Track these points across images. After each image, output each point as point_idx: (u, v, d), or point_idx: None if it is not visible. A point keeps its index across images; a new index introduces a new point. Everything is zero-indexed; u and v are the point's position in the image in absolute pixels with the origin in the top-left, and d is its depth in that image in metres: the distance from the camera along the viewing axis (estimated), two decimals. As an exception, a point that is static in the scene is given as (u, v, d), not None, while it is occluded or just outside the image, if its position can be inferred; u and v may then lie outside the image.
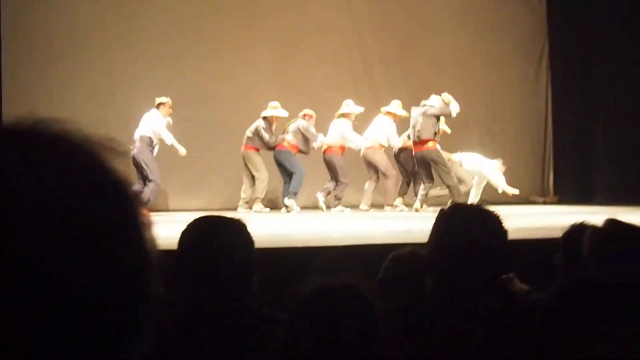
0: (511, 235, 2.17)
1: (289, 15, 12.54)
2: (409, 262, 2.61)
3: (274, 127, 11.11)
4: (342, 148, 11.12)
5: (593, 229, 2.72)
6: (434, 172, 10.60)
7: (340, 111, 11.08)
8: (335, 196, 10.99)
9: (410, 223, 8.15)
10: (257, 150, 11.09)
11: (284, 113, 11.08)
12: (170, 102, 10.45)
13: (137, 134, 10.18)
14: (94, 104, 11.56)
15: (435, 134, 10.59)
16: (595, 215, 8.58)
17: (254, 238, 2.37)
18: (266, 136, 10.88)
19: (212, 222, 2.33)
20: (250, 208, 10.95)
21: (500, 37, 13.38)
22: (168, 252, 2.25)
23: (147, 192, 9.90)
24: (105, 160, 0.78)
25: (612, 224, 2.66)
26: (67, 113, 10.84)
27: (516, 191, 11.13)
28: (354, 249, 5.07)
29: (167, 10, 11.98)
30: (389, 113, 11.06)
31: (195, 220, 2.33)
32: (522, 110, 13.46)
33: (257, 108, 11.44)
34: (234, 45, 12.27)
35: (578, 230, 3.05)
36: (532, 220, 8.84)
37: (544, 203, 12.96)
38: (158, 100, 10.46)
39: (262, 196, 11.06)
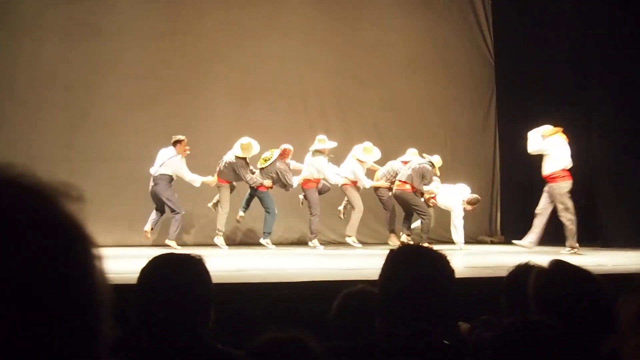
0: (459, 274, 2.20)
1: (248, 60, 12.57)
2: (360, 300, 2.62)
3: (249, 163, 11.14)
4: (317, 181, 11.26)
5: (539, 269, 2.67)
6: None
7: (314, 147, 11.16)
8: (310, 230, 11.20)
9: (362, 260, 8.16)
10: (229, 182, 11.12)
11: (256, 150, 11.07)
12: (185, 139, 10.62)
13: (155, 172, 10.50)
14: (56, 144, 11.49)
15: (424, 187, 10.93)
16: (539, 255, 8.71)
17: (212, 274, 2.37)
18: (247, 177, 10.93)
19: (170, 259, 2.32)
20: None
21: (452, 84, 13.57)
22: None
23: (175, 224, 10.57)
24: (59, 204, 0.78)
25: (558, 265, 2.65)
26: (29, 152, 10.81)
27: (462, 247, 11.23)
28: (307, 286, 5.06)
29: (127, 54, 11.94)
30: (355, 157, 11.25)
31: (153, 258, 2.32)
32: (472, 154, 13.61)
33: (216, 149, 11.46)
34: (194, 88, 12.25)
35: (522, 270, 3.07)
36: (479, 259, 8.93)
37: (492, 243, 13.11)
38: (174, 137, 10.62)
39: (223, 230, 11.07)
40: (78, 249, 0.79)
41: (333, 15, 13.10)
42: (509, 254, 10.04)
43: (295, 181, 11.20)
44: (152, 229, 10.74)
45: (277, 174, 11.08)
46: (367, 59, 13.26)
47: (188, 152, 10.71)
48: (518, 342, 1.74)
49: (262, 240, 11.04)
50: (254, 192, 11.17)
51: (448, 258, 2.12)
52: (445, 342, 2.14)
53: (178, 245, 10.62)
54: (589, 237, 11.51)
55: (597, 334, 2.19)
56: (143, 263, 2.39)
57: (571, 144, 12.13)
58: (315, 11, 13.01)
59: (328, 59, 13.02)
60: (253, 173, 11.04)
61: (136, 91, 11.93)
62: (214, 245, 10.86)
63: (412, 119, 13.19)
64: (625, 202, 11.21)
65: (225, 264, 7.35)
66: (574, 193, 11.88)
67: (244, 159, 10.95)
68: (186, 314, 2.20)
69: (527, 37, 13.18)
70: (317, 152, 11.13)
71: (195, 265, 2.28)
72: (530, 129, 12.63)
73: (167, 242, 10.46)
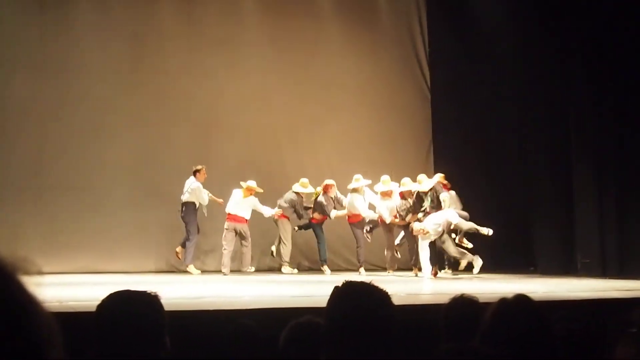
0: (400, 301, 2.18)
1: (208, 97, 12.53)
2: (307, 331, 2.59)
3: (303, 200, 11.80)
4: (358, 217, 11.52)
5: (501, 300, 2.43)
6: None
7: (351, 186, 11.47)
8: (358, 260, 11.59)
9: (313, 287, 8.13)
10: (288, 218, 11.64)
11: (311, 190, 11.71)
12: (204, 168, 11.09)
13: (182, 199, 11.00)
14: (24, 173, 11.31)
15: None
16: (473, 283, 8.78)
17: (171, 301, 2.36)
18: (300, 211, 11.60)
19: (126, 296, 2.29)
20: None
21: (396, 123, 13.65)
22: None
23: (189, 250, 11.05)
24: (18, 281, 0.78)
25: (522, 300, 2.44)
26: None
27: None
28: (263, 313, 5.01)
29: (94, 89, 11.80)
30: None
31: (110, 294, 2.29)
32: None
33: (177, 181, 11.43)
34: (156, 123, 12.14)
35: (458, 302, 3.08)
36: (418, 286, 8.99)
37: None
38: (194, 167, 11.14)
39: (288, 260, 11.58)
40: (34, 326, 0.78)
41: (288, 57, 13.17)
42: (448, 281, 10.11)
43: (333, 213, 11.53)
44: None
45: (321, 204, 11.52)
46: (319, 98, 13.33)
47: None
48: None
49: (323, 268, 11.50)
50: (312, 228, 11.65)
51: (390, 295, 2.10)
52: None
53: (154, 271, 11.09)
54: (525, 265, 11.68)
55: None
56: (104, 290, 2.37)
57: (508, 175, 12.42)
58: (271, 53, 13.06)
59: (283, 98, 13.05)
60: (307, 209, 11.70)
61: (102, 124, 11.81)
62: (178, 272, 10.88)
63: (361, 155, 13.25)
64: (558, 231, 11.40)
65: (185, 291, 7.26)
66: (511, 221, 12.11)
67: (301, 197, 11.60)
68: (141, 345, 2.18)
69: (463, 78, 13.42)
70: (354, 190, 11.46)
71: (150, 302, 2.26)
72: (464, 165, 12.83)
73: (187, 268, 11.01)
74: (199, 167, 11.14)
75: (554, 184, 11.50)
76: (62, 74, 11.68)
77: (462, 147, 13.34)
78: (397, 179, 12.17)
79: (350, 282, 2.11)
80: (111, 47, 12.03)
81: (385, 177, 11.49)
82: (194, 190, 10.97)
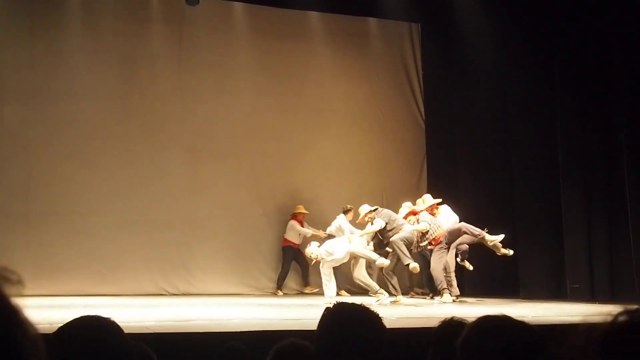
0: (392, 324, 2.17)
1: (198, 122, 12.51)
2: (292, 354, 2.56)
3: None
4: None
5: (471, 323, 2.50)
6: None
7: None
8: None
9: (302, 310, 8.09)
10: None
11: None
12: (352, 209, 11.44)
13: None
14: (14, 198, 11.24)
15: None
16: (466, 307, 8.76)
17: (161, 323, 2.33)
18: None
19: (90, 322, 2.24)
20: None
21: (387, 148, 13.69)
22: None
23: None
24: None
25: (485, 319, 2.46)
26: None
27: None
28: (247, 335, 4.99)
29: (84, 115, 11.75)
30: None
31: (74, 319, 2.24)
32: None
33: (168, 206, 11.38)
34: (147, 148, 12.10)
35: (448, 326, 3.06)
36: (412, 310, 8.94)
37: (423, 294, 13.13)
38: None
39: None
40: (17, 334, 0.77)
41: (279, 81, 13.20)
42: (437, 305, 10.09)
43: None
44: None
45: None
46: (311, 123, 13.35)
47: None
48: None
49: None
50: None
51: (381, 316, 2.10)
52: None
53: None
54: (511, 290, 11.67)
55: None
56: (93, 313, 2.34)
57: (499, 200, 12.47)
58: (262, 78, 13.08)
59: (274, 122, 13.05)
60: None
61: (91, 149, 11.75)
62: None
63: (352, 180, 13.27)
64: (547, 255, 11.41)
65: (174, 313, 7.20)
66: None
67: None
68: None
69: (456, 105, 13.53)
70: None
71: (115, 328, 2.21)
72: (455, 190, 12.87)
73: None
74: (349, 206, 11.51)
75: (544, 208, 11.54)
76: (51, 99, 11.64)
77: (454, 172, 13.40)
78: (388, 203, 12.17)
79: (341, 304, 2.11)
80: (101, 72, 12.00)
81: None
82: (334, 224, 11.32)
